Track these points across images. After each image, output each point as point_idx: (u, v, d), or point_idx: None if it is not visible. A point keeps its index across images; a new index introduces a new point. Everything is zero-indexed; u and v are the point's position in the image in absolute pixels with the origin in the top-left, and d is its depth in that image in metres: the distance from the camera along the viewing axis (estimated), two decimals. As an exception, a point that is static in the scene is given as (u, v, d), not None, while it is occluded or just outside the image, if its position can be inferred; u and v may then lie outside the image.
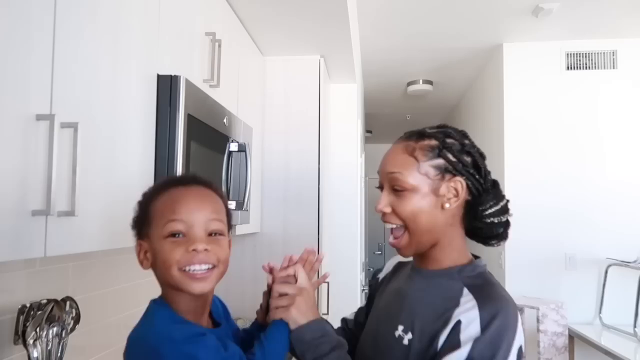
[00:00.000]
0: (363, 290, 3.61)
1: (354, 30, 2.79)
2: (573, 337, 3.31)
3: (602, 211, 3.50)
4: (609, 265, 3.41)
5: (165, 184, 0.84)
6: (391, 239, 0.96)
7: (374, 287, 1.13)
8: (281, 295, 0.92)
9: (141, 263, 0.82)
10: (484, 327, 0.81)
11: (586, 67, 3.62)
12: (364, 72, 4.37)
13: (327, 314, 2.61)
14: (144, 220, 0.81)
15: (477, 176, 0.92)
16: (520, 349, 0.83)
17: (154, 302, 0.83)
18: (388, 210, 0.94)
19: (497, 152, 3.76)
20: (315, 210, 2.52)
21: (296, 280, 0.95)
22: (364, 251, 4.27)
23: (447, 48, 3.83)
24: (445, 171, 0.91)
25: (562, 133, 3.59)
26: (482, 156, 0.94)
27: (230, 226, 0.87)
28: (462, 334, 0.82)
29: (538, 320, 3.11)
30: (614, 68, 3.58)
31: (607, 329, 3.31)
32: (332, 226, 3.13)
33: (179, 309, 0.80)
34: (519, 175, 3.58)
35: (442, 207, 0.91)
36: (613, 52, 3.58)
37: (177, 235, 0.77)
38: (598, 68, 3.60)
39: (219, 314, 0.92)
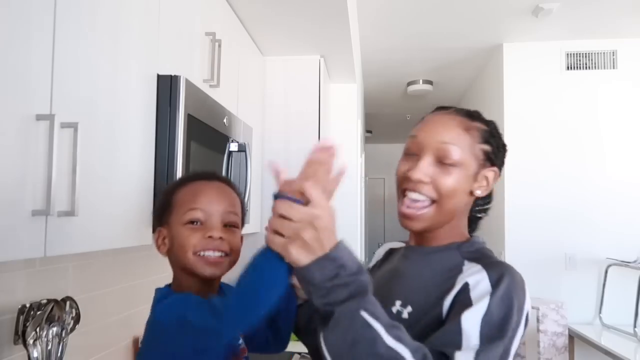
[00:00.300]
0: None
1: (354, 30, 2.79)
2: (573, 337, 3.31)
3: (602, 211, 3.50)
4: (609, 265, 3.41)
5: (189, 177, 0.92)
6: (407, 208, 0.87)
7: None
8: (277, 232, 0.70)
9: (158, 248, 0.89)
10: (494, 284, 0.79)
11: (586, 67, 3.62)
12: (364, 72, 4.37)
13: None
14: (166, 208, 0.88)
15: (499, 171, 0.92)
16: (527, 314, 0.81)
17: (158, 290, 0.87)
18: (427, 180, 0.86)
19: (497, 152, 3.75)
20: (315, 210, 2.51)
21: (306, 203, 0.70)
22: (364, 251, 4.27)
23: (447, 48, 3.83)
24: (488, 158, 0.90)
25: (562, 133, 3.59)
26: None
27: (244, 222, 0.92)
28: (472, 292, 0.78)
29: (538, 320, 3.11)
30: (614, 68, 3.58)
31: (607, 329, 3.31)
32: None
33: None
34: (519, 175, 3.58)
35: (472, 192, 0.89)
36: (613, 52, 3.58)
37: (195, 223, 0.85)
38: (598, 68, 3.60)
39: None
